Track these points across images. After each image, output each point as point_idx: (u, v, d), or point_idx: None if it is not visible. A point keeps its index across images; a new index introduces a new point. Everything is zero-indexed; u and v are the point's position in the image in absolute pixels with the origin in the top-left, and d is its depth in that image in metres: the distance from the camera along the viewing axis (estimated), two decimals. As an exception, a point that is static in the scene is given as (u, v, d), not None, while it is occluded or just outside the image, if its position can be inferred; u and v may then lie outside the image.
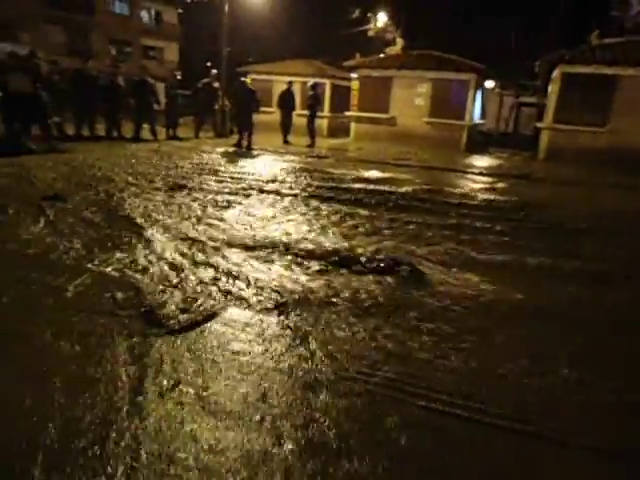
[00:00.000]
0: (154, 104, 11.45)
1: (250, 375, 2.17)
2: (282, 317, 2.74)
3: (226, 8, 13.99)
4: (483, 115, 17.32)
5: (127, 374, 2.10)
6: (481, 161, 12.14)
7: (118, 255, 3.53)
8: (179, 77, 13.10)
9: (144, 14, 37.11)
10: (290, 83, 13.42)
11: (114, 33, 34.42)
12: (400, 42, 25.04)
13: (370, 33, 26.56)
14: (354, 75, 16.69)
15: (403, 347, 2.48)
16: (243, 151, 10.91)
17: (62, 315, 2.59)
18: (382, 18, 25.93)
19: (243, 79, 11.91)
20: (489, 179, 9.00)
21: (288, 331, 2.58)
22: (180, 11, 37.73)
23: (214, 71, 13.55)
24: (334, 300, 2.99)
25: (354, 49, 23.78)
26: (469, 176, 9.33)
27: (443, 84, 14.84)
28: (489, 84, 18.15)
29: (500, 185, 8.29)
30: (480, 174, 9.58)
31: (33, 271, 3.14)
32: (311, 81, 14.27)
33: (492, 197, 6.97)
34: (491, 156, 13.76)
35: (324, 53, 23.58)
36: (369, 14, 26.48)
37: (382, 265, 3.62)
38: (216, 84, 13.49)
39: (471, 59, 16.59)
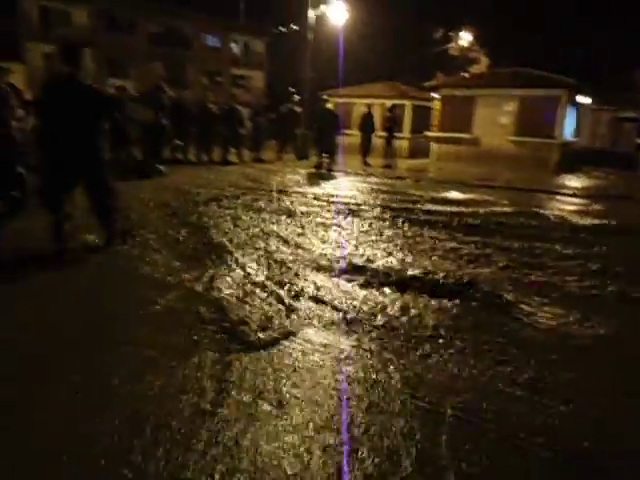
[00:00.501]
0: (241, 129, 12.15)
1: (326, 396, 2.18)
2: (360, 339, 2.73)
3: (309, 37, 14.56)
4: (577, 132, 16.26)
5: (209, 386, 2.20)
6: (574, 181, 11.37)
7: (204, 272, 3.74)
8: (264, 103, 13.78)
9: (234, 46, 39.65)
10: (370, 106, 13.57)
11: (207, 64, 37.10)
12: (484, 60, 24.48)
13: (453, 52, 26.18)
14: (435, 95, 16.51)
15: (487, 378, 2.36)
16: (324, 173, 11.12)
17: (150, 327, 2.78)
18: (466, 37, 25.47)
19: (326, 103, 12.24)
20: (583, 201, 8.38)
21: (367, 354, 2.57)
22: (268, 40, 39.74)
23: (296, 96, 14.07)
24: (413, 324, 2.93)
25: (436, 69, 23.53)
26: (560, 197, 8.75)
27: (531, 101, 14.19)
28: (583, 99, 17.04)
29: (596, 207, 7.68)
30: (573, 195, 8.96)
31: (132, 285, 3.42)
32: (389, 103, 14.36)
33: (586, 221, 6.46)
34: (585, 176, 12.84)
35: (404, 74, 23.61)
36: (452, 33, 26.15)
37: (463, 290, 3.49)
38: (298, 108, 13.99)
39: (563, 75, 15.73)
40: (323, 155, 11.64)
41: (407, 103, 17.75)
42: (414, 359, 2.53)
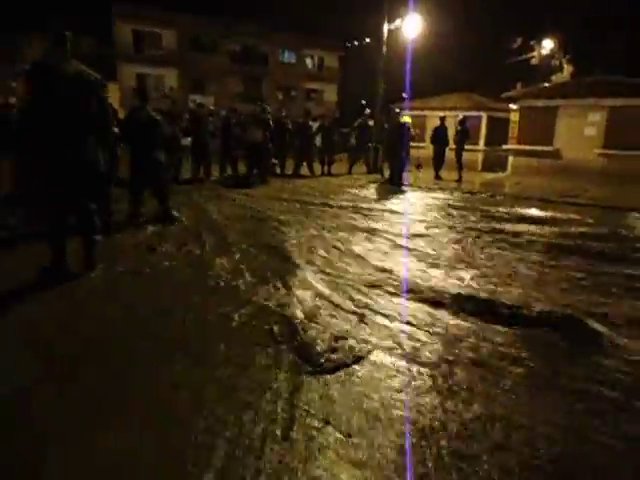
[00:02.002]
0: (312, 144, 12.44)
1: (394, 426, 2.13)
2: (432, 369, 2.64)
3: (384, 49, 14.56)
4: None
5: (280, 407, 2.23)
6: (672, 199, 10.34)
7: (276, 288, 3.82)
8: (337, 115, 13.96)
9: (308, 61, 40.61)
10: (443, 118, 13.31)
11: (282, 80, 38.30)
12: (568, 69, 23.14)
13: (533, 61, 25.03)
14: (514, 106, 15.85)
15: (577, 425, 2.19)
16: (394, 187, 11.02)
17: (227, 344, 2.88)
18: (548, 45, 24.26)
19: (399, 116, 12.13)
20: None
21: (439, 383, 2.48)
22: (341, 54, 40.29)
23: (367, 110, 14.10)
24: (488, 357, 2.79)
25: (515, 79, 22.60)
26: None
27: (622, 111, 13.19)
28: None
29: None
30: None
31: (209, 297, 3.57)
32: (460, 115, 13.99)
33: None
34: (686, 192, 11.64)
35: (482, 85, 22.90)
36: (532, 42, 25.04)
37: (548, 321, 3.27)
38: (370, 122, 14.00)
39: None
40: (394, 169, 11.55)
41: (483, 114, 17.23)
42: (496, 394, 2.40)
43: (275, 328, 3.08)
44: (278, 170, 12.40)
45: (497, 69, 27.36)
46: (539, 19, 24.79)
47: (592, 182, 12.59)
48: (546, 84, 18.35)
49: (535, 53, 24.66)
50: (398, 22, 14.77)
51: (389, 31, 14.50)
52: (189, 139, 10.33)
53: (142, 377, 2.50)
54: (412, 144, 12.85)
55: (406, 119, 12.61)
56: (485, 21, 28.18)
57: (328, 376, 2.53)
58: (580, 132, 13.93)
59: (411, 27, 14.83)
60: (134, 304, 3.45)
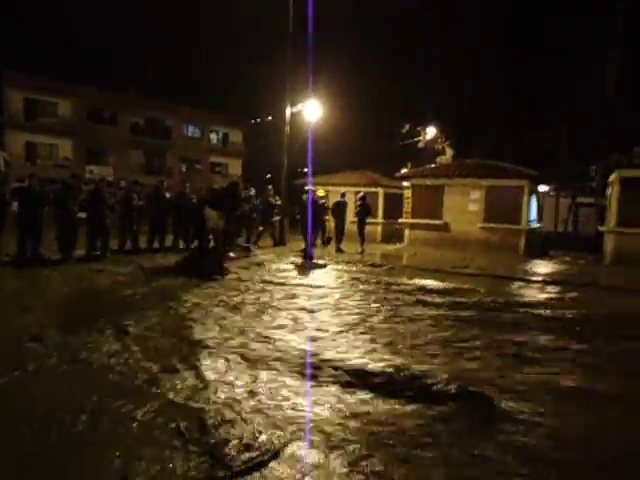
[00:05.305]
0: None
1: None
2: (350, 457, 2.58)
3: (287, 129, 15.37)
4: (540, 218, 17.14)
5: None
6: (544, 267, 11.75)
7: (182, 377, 3.57)
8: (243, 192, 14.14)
9: (213, 136, 41.44)
10: (343, 194, 14.18)
11: (186, 153, 38.44)
12: (449, 151, 26.24)
13: (420, 145, 28.07)
14: (406, 184, 17.35)
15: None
16: (303, 261, 11.09)
17: (131, 447, 2.58)
18: (431, 131, 27.51)
19: (311, 190, 12.67)
20: (556, 288, 8.59)
21: (359, 476, 2.42)
22: (245, 131, 41.71)
23: (270, 187, 14.66)
24: (408, 434, 2.81)
25: (405, 159, 25.05)
26: (535, 285, 8.97)
27: (497, 190, 15.04)
28: (543, 188, 18.21)
29: (572, 295, 7.85)
30: (545, 282, 9.19)
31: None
32: (361, 192, 15.07)
33: (568, 311, 6.56)
34: (553, 260, 13.32)
35: (377, 164, 24.95)
36: (419, 128, 28.24)
37: (450, 394, 3.41)
38: (272, 199, 14.31)
39: (522, 163, 16.94)
40: (308, 243, 11.73)
41: (380, 190, 18.58)
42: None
43: (182, 425, 2.83)
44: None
45: (390, 150, 30.18)
46: (424, 110, 28.26)
47: (478, 252, 13.93)
48: (433, 165, 20.51)
49: (421, 137, 27.76)
50: (300, 106, 15.85)
51: (291, 113, 15.43)
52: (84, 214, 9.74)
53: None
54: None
55: (321, 193, 13.38)
56: (377, 109, 31.31)
57: (243, 478, 2.36)
58: (465, 208, 15.53)
59: (311, 111, 15.98)
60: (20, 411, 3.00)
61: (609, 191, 13.63)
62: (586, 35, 24.53)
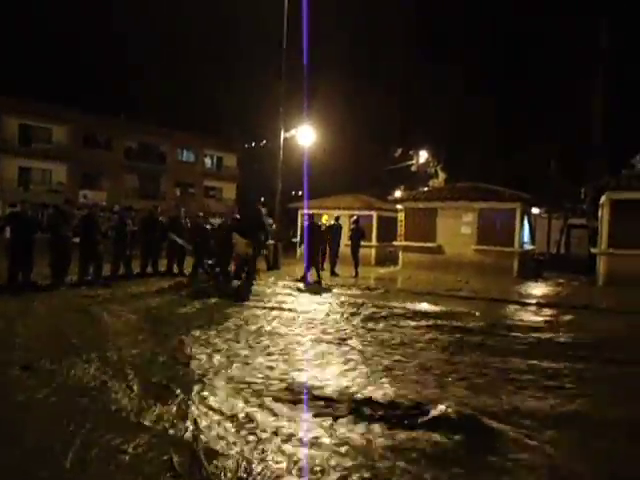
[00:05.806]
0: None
1: None
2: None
3: (281, 155, 15.51)
4: (532, 240, 17.25)
5: None
6: (537, 289, 11.77)
7: (174, 409, 3.50)
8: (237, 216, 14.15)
9: (207, 160, 41.68)
10: (338, 217, 14.27)
11: (180, 177, 38.56)
12: (442, 175, 26.58)
13: (413, 168, 28.42)
14: (400, 207, 17.46)
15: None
16: (296, 284, 11.09)
17: (119, 484, 2.51)
18: (423, 154, 27.89)
19: (308, 215, 12.86)
20: (551, 311, 8.58)
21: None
22: (239, 155, 42.01)
23: (264, 210, 14.68)
24: (402, 464, 2.75)
25: (398, 182, 25.30)
26: (529, 308, 8.96)
27: (489, 213, 15.17)
28: (535, 210, 18.39)
29: (566, 318, 7.84)
30: (539, 305, 9.18)
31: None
32: (355, 215, 15.16)
33: (564, 335, 6.52)
34: (546, 282, 13.34)
35: (370, 187, 25.17)
36: (411, 152, 28.63)
37: (445, 422, 3.35)
38: (269, 220, 14.34)
39: (514, 186, 17.13)
40: (309, 268, 11.72)
41: (374, 213, 18.68)
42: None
43: (175, 459, 2.76)
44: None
45: (383, 173, 30.47)
46: (417, 135, 28.65)
47: (472, 274, 13.93)
48: (426, 188, 20.72)
49: (414, 161, 28.13)
50: (293, 132, 16.04)
51: (285, 139, 15.61)
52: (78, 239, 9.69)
53: None
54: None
55: (324, 220, 13.64)
56: (371, 134, 31.75)
57: (237, 514, 2.29)
58: (457, 230, 15.62)
59: (305, 137, 16.18)
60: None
61: (601, 214, 13.79)
62: (572, 54, 25.09)
